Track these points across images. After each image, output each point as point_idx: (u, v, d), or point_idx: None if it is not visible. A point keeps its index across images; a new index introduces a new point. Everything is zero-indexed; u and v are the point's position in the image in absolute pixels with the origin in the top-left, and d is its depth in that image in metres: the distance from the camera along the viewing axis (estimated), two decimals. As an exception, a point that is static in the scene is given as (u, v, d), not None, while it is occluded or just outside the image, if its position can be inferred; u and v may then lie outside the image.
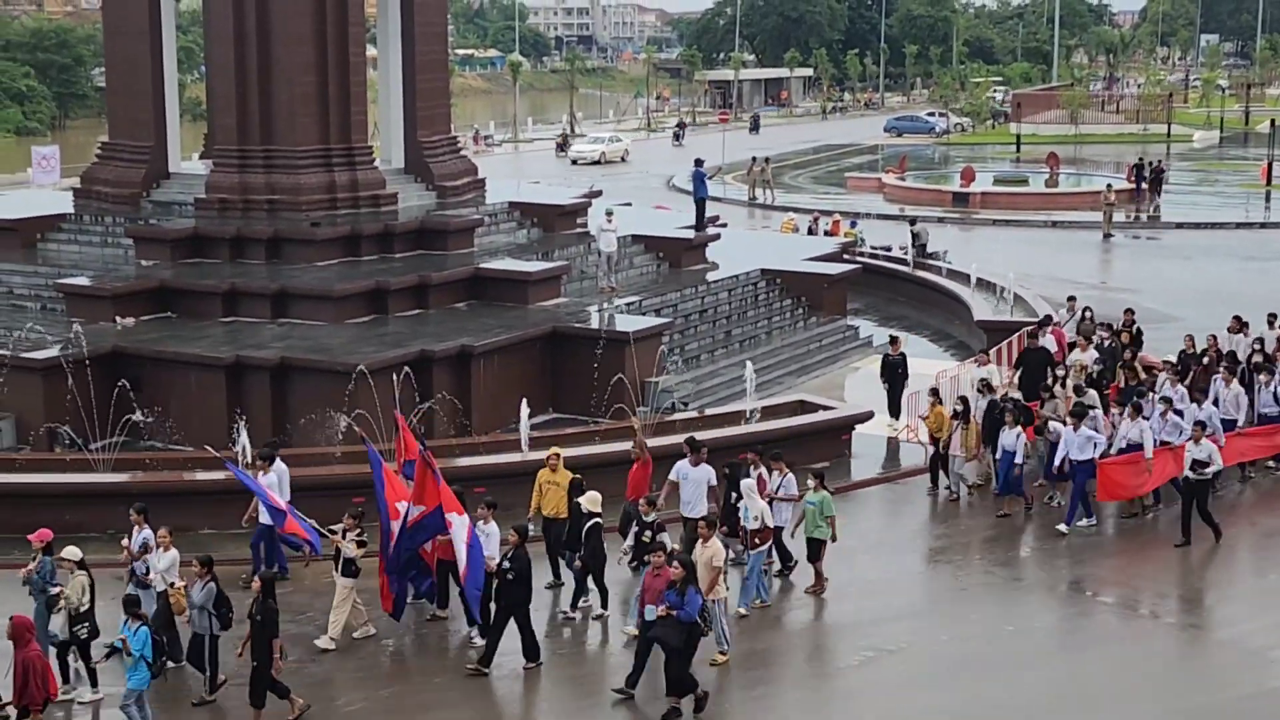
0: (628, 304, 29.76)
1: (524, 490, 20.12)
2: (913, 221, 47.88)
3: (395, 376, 24.25)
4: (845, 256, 39.87)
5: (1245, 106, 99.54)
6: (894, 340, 28.83)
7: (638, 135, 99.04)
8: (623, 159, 77.26)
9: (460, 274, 28.77)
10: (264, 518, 18.61)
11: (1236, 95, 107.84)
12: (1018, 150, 76.95)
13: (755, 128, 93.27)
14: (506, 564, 16.02)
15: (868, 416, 26.26)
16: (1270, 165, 65.15)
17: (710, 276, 34.14)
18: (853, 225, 49.19)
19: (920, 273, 40.58)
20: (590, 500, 17.91)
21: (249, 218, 28.37)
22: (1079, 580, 20.06)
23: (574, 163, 76.51)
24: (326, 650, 16.68)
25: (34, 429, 25.04)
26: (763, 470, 19.16)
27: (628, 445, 21.88)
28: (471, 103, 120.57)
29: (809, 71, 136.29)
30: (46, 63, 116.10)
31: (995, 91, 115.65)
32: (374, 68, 35.40)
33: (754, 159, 69.43)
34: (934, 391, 25.35)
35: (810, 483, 18.79)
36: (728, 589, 16.64)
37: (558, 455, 19.89)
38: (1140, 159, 61.79)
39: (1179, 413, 22.14)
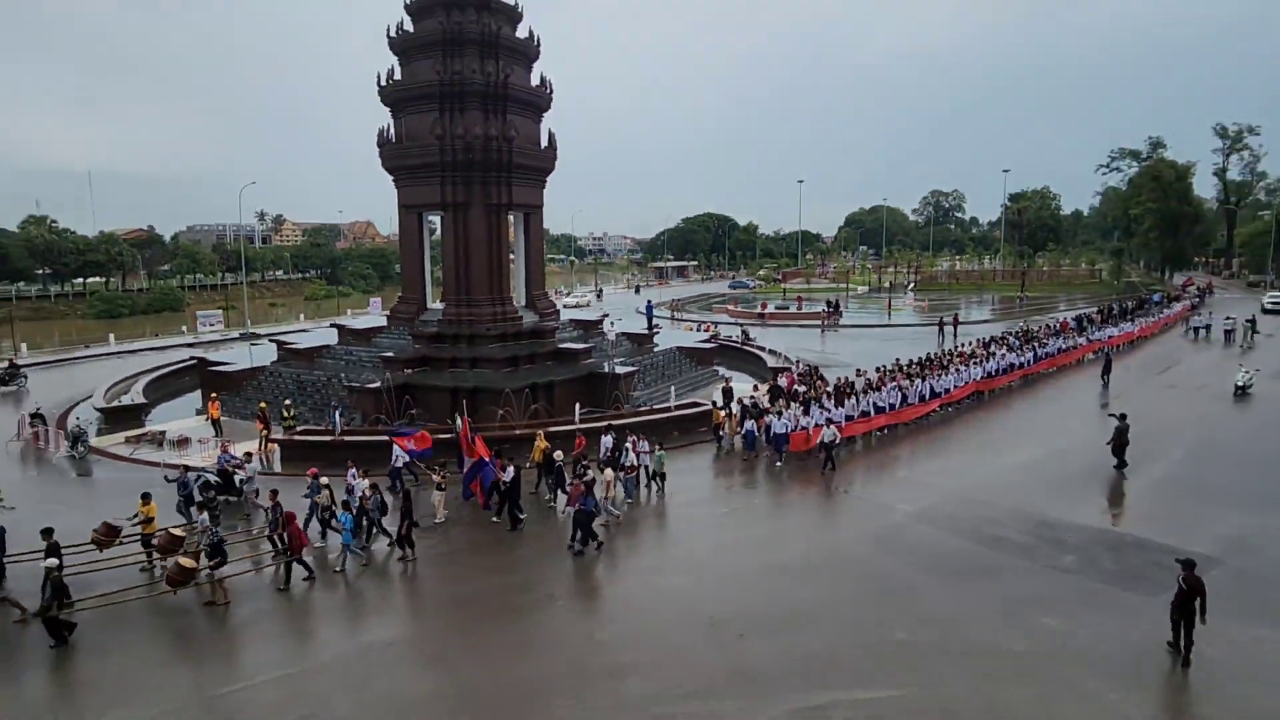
0: (620, 361, 29.50)
1: (573, 439, 20.15)
2: (745, 329, 48.31)
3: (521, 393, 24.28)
4: (713, 341, 39.87)
5: (879, 277, 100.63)
6: (727, 379, 29.19)
7: (622, 290, 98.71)
8: (589, 304, 71.75)
9: (549, 349, 28.54)
10: (397, 462, 18.76)
11: (875, 271, 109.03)
12: (784, 295, 77.33)
13: (636, 290, 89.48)
14: (506, 480, 16.58)
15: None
16: (890, 300, 65.80)
17: (655, 350, 33.87)
18: (716, 327, 49.57)
19: (746, 347, 40.65)
20: (557, 455, 18.36)
21: (459, 326, 28.13)
22: (805, 481, 19.79)
23: (564, 306, 72.75)
24: (439, 522, 16.81)
25: (369, 418, 24.84)
26: (634, 438, 19.00)
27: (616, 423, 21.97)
28: (553, 278, 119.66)
29: (695, 262, 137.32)
30: (377, 260, 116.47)
31: (774, 270, 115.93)
32: (513, 262, 35.55)
33: (672, 301, 69.75)
34: (715, 402, 24.85)
35: (656, 446, 19.00)
36: (616, 492, 17.19)
37: (541, 432, 19.85)
38: (829, 299, 62.73)
39: (828, 409, 21.98)
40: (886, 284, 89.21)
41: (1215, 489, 17.90)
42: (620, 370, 27.56)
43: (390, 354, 27.73)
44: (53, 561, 12.19)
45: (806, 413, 21.65)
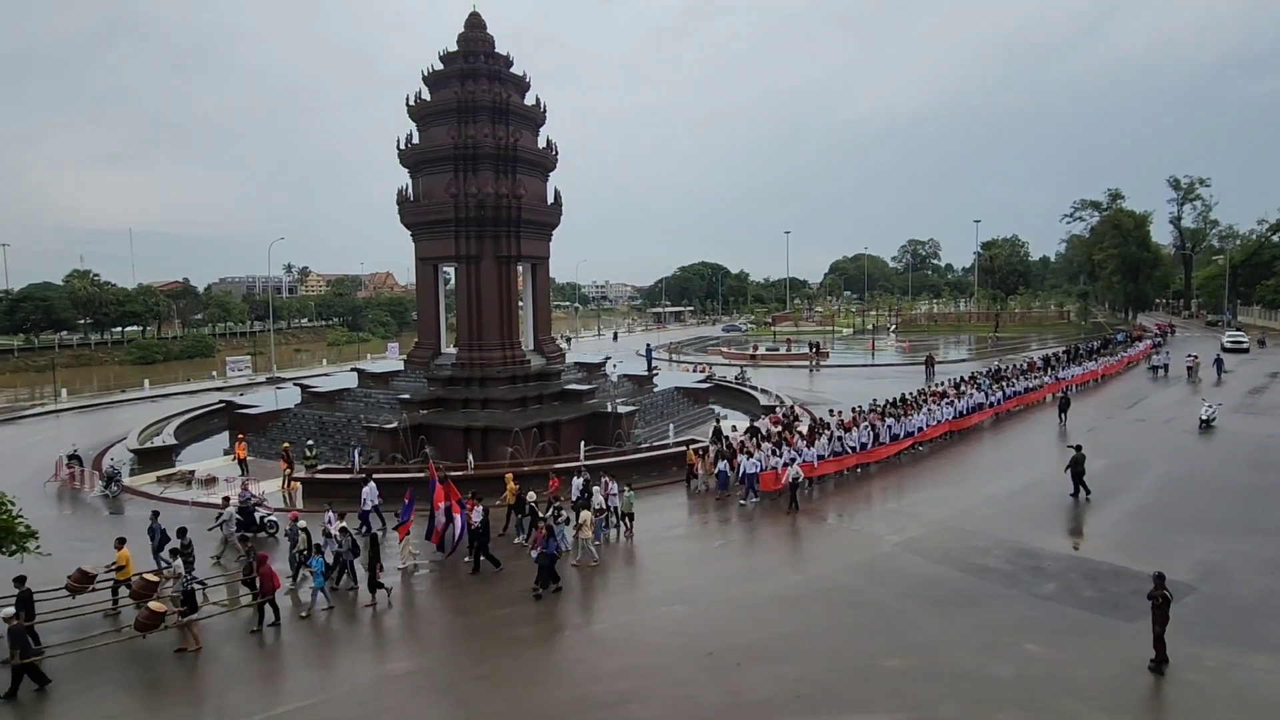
0: (622, 400, 29.46)
1: (574, 475, 19.70)
2: (743, 369, 48.23)
3: (529, 432, 24.13)
4: (709, 382, 39.78)
5: (862, 320, 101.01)
6: (719, 418, 29.17)
7: (621, 332, 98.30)
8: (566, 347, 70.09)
9: (555, 390, 28.51)
10: (366, 505, 17.87)
11: (859, 315, 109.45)
12: (774, 337, 77.58)
13: (615, 337, 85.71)
14: (476, 523, 15.81)
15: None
16: (874, 342, 66.01)
17: (655, 390, 33.79)
18: (711, 368, 49.24)
19: (741, 387, 40.38)
20: (529, 497, 17.43)
21: (472, 369, 28.20)
22: (780, 517, 19.29)
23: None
24: (405, 568, 15.76)
25: (386, 456, 24.71)
26: (607, 479, 18.27)
27: (611, 459, 21.70)
28: (560, 323, 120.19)
29: (692, 307, 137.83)
30: (395, 308, 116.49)
31: (765, 314, 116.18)
32: (521, 309, 35.69)
33: (670, 344, 69.77)
34: (688, 444, 23.67)
35: (625, 487, 18.06)
36: (592, 534, 16.22)
37: (511, 475, 18.86)
38: (811, 341, 62.85)
39: (799, 451, 21.14)
40: (869, 326, 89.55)
41: (1186, 518, 17.66)
42: (622, 410, 27.46)
43: (407, 396, 27.67)
44: (8, 612, 11.41)
45: (777, 453, 20.84)
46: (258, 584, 13.40)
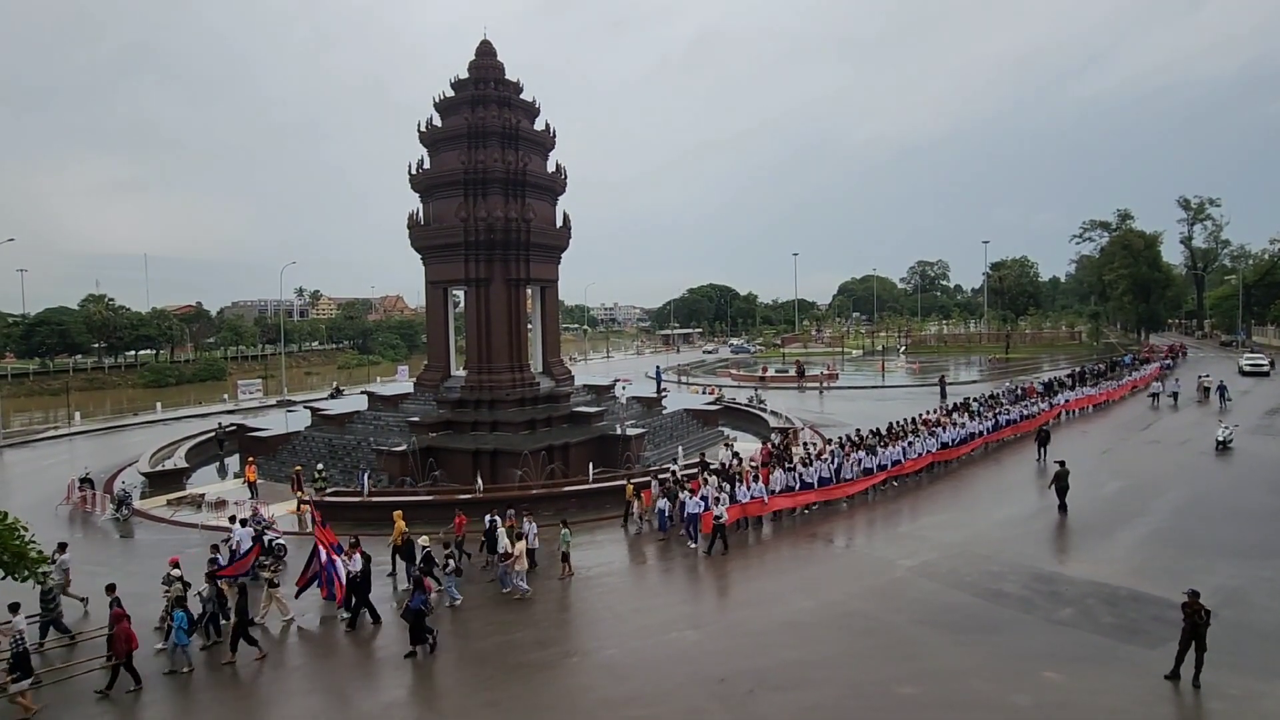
0: (631, 423, 29.36)
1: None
2: (758, 391, 47.87)
3: (538, 455, 23.97)
4: (718, 404, 39.59)
5: (872, 341, 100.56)
6: (730, 440, 28.80)
7: (630, 355, 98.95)
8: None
9: (564, 412, 28.46)
10: (242, 549, 16.08)
11: (868, 336, 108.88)
12: (784, 359, 77.18)
13: (580, 361, 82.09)
14: (355, 570, 14.23)
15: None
16: (883, 363, 65.61)
17: (664, 412, 33.62)
18: (719, 390, 49.06)
19: (750, 408, 40.08)
20: (421, 542, 15.87)
21: (481, 392, 28.19)
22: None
23: None
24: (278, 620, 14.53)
25: (395, 478, 24.64)
26: (526, 517, 16.86)
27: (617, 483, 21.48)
28: (568, 345, 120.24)
29: (701, 329, 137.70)
30: (405, 331, 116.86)
31: (773, 335, 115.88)
32: (530, 332, 35.71)
33: (678, 366, 69.58)
34: (628, 478, 21.56)
35: (563, 524, 16.85)
36: (526, 568, 15.53)
37: (399, 512, 17.32)
38: (797, 362, 62.00)
39: (748, 485, 19.42)
40: (879, 348, 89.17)
41: (1206, 541, 17.34)
42: (631, 432, 27.36)
43: (416, 418, 27.67)
44: None
45: (722, 490, 18.96)
46: (112, 644, 11.88)
